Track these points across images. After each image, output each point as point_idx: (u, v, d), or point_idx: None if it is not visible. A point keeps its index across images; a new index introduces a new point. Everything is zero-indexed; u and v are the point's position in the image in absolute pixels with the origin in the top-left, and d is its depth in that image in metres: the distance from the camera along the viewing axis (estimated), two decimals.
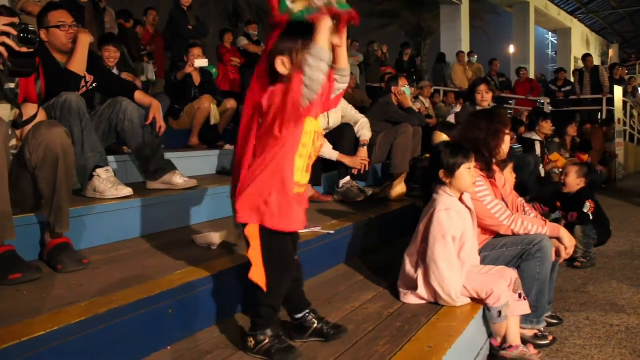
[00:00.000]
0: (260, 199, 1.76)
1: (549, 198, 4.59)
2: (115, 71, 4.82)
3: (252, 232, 1.79)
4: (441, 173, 2.38)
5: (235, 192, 1.83)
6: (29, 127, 2.21)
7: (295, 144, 1.77)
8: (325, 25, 1.61)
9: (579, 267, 4.14)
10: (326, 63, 1.62)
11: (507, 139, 2.78)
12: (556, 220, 3.97)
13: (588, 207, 4.22)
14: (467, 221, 2.41)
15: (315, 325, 1.96)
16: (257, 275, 1.79)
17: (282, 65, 1.73)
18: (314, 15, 1.61)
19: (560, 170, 5.70)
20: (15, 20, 2.02)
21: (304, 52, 1.66)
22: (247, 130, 1.82)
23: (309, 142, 1.81)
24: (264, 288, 1.79)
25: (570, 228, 4.19)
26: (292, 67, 1.71)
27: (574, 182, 4.35)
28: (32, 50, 2.02)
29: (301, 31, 1.67)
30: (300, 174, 1.81)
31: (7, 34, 1.96)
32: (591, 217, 4.16)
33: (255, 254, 1.80)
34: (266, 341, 1.81)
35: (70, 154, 2.16)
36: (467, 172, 2.39)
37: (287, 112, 1.67)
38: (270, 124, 1.72)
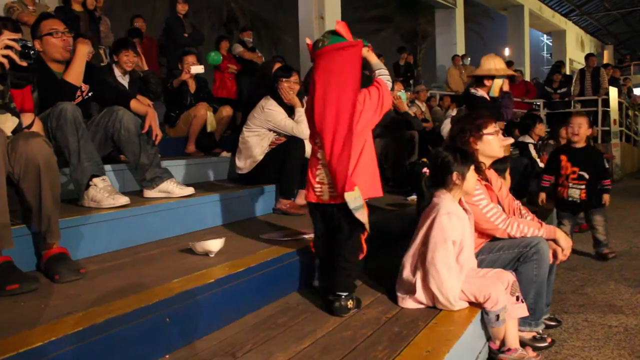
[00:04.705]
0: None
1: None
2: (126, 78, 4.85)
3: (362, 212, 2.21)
4: (455, 175, 2.40)
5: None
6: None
7: None
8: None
9: (613, 257, 4.26)
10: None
11: (494, 138, 2.78)
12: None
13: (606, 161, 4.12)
14: (466, 225, 2.42)
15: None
16: None
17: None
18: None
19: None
20: (19, 35, 2.10)
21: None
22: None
23: None
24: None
25: (597, 200, 4.27)
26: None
27: (585, 133, 4.26)
28: (29, 64, 2.12)
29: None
30: None
31: (12, 48, 2.05)
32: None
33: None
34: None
35: (52, 162, 2.15)
36: (473, 174, 2.44)
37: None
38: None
